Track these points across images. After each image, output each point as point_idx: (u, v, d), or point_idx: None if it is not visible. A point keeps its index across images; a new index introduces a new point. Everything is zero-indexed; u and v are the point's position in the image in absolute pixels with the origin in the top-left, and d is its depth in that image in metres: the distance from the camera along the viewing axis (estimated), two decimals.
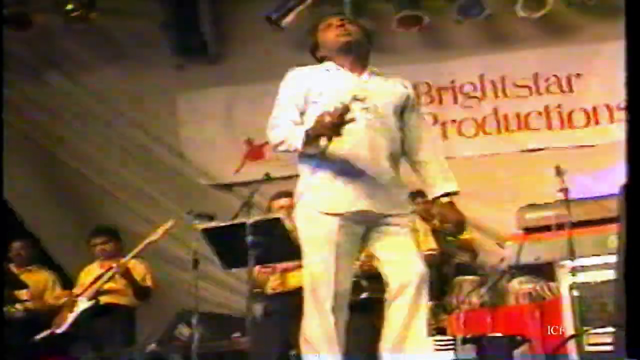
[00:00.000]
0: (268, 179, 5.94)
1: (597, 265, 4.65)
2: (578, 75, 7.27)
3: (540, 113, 7.32)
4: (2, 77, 6.44)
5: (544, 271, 5.05)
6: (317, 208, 3.63)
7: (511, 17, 7.24)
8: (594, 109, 7.16)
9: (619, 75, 8.09)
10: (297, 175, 3.67)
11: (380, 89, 3.73)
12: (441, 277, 5.76)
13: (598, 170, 6.55)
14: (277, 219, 4.78)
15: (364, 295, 5.10)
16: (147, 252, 6.15)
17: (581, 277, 4.66)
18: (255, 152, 7.63)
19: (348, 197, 3.60)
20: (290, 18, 7.27)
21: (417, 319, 3.55)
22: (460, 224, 6.16)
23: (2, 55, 6.14)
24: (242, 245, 4.56)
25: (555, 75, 7.34)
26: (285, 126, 3.65)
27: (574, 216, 4.80)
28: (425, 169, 3.81)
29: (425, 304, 3.58)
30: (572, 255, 4.69)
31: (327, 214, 3.60)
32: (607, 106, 7.11)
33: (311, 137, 3.51)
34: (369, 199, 3.59)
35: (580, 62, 7.29)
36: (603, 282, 4.51)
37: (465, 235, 6.53)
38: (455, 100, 7.56)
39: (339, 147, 3.55)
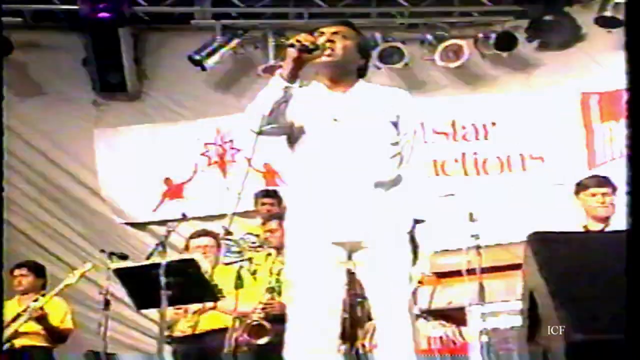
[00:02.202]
0: (184, 218, 5.93)
1: (506, 311, 4.74)
2: (493, 123, 7.44)
3: (456, 160, 7.45)
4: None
5: (455, 316, 5.12)
6: (292, 236, 3.42)
7: (430, 66, 7.40)
8: (508, 157, 7.34)
9: (531, 125, 8.27)
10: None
11: (363, 106, 3.45)
12: (354, 321, 5.76)
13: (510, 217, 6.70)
14: (192, 260, 4.73)
15: (265, 339, 4.97)
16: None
17: (491, 323, 4.74)
18: (173, 191, 7.57)
19: (320, 226, 3.32)
20: (214, 59, 7.29)
21: None
22: None
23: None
24: (156, 286, 4.51)
25: (472, 124, 7.51)
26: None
27: (484, 262, 4.90)
28: None
29: None
30: (482, 301, 4.77)
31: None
32: (520, 155, 7.29)
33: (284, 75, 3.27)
34: (342, 228, 3.30)
35: (496, 111, 7.47)
36: (511, 328, 4.60)
37: None
38: None
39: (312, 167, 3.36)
